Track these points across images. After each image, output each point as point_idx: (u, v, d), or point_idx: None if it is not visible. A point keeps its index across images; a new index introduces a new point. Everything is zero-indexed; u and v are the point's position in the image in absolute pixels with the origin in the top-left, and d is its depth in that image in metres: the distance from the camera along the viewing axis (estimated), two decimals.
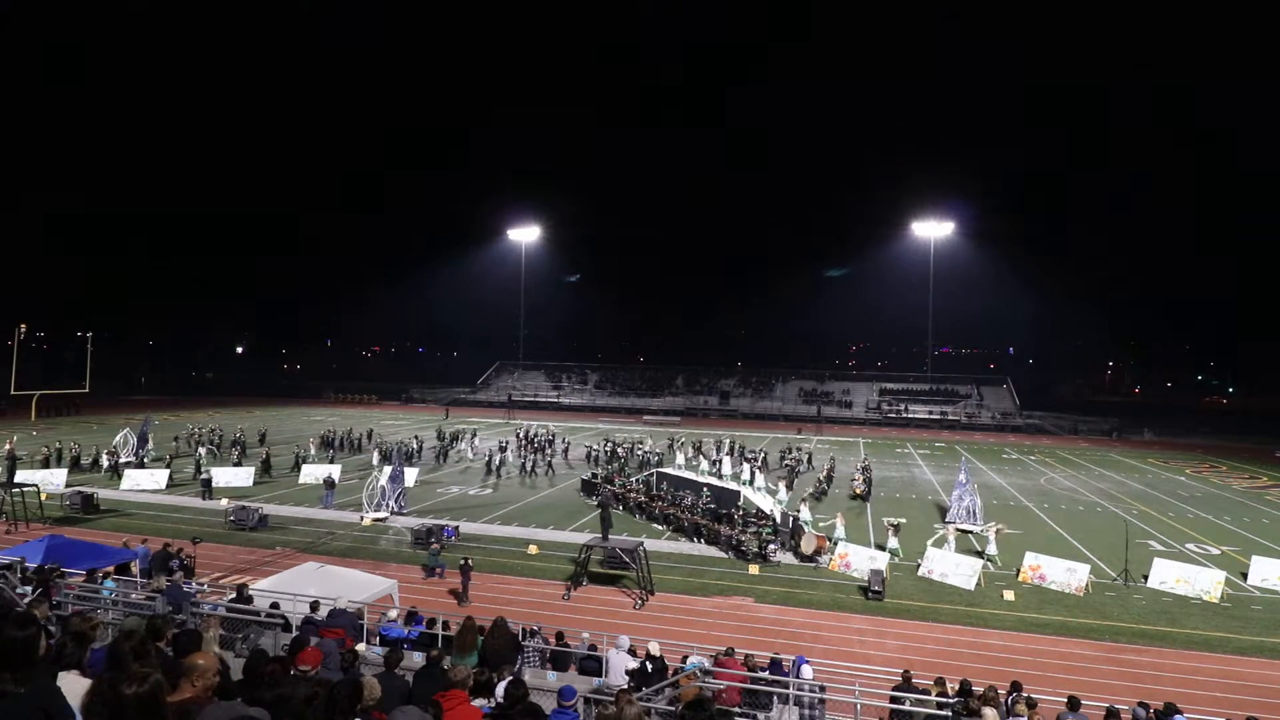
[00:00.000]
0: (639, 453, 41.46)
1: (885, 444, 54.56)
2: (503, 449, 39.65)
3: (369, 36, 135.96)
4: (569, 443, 44.99)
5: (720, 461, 32.68)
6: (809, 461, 41.24)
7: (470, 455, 40.76)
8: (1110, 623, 16.76)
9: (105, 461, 33.10)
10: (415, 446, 40.65)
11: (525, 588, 18.57)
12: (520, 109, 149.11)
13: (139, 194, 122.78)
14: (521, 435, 45.70)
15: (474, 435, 46.51)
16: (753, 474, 28.68)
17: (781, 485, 27.40)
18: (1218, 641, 15.73)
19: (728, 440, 46.96)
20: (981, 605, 17.85)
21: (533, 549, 21.69)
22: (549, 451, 40.35)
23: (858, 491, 31.55)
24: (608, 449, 41.16)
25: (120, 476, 30.33)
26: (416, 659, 9.36)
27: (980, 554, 21.36)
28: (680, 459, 35.09)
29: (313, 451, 38.17)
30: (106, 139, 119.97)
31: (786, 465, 37.70)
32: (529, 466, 36.01)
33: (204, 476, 29.09)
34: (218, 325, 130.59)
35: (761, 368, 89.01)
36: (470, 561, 18.18)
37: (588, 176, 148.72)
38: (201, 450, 36.23)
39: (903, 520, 23.92)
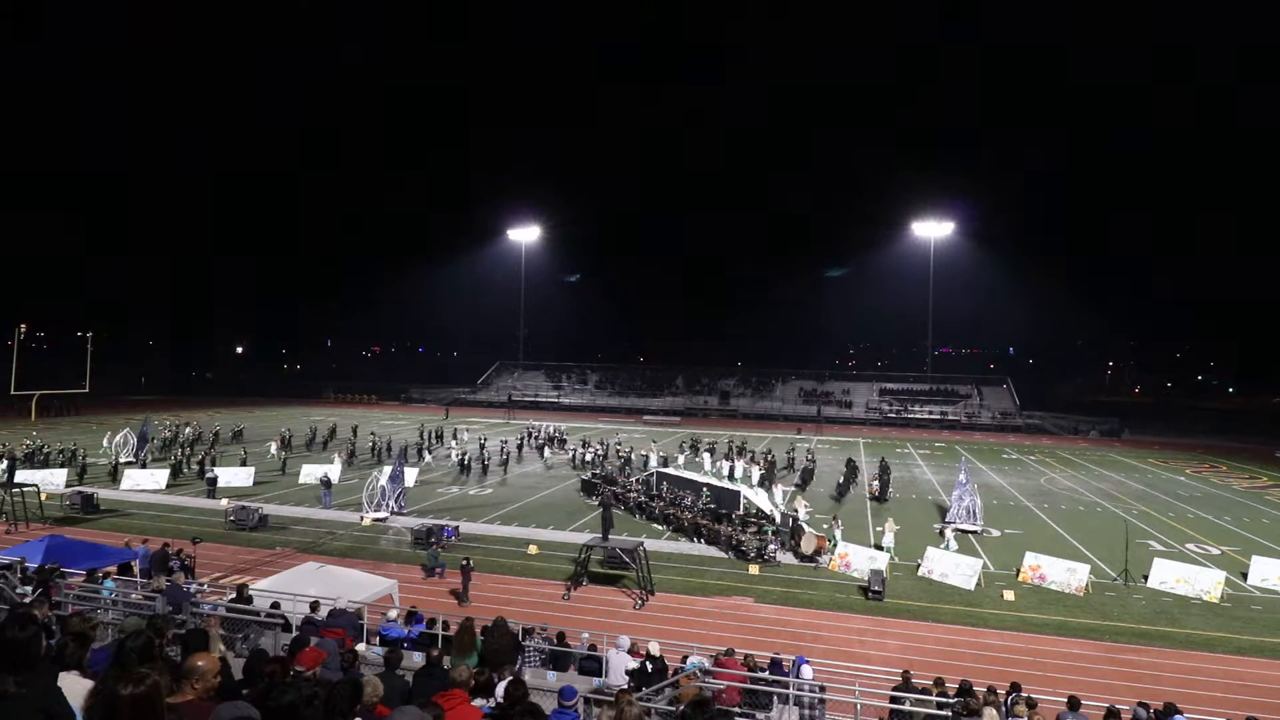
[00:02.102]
0: (619, 453, 40.10)
1: (885, 444, 54.50)
2: (482, 446, 39.22)
3: (369, 36, 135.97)
4: (540, 443, 43.89)
5: (702, 459, 32.37)
6: (810, 457, 41.10)
7: (429, 460, 38.57)
8: (1110, 623, 16.76)
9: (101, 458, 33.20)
10: (384, 445, 39.97)
11: (525, 588, 18.57)
12: (520, 109, 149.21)
13: (139, 194, 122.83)
14: (537, 434, 45.46)
15: (454, 435, 46.38)
16: (747, 471, 28.78)
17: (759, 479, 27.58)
18: (1218, 641, 15.73)
19: (724, 441, 46.95)
20: (981, 605, 17.85)
21: (533, 549, 21.69)
22: (502, 453, 39.28)
23: (873, 492, 31.68)
24: (598, 454, 39.42)
25: (119, 477, 30.39)
26: (416, 659, 9.36)
27: (879, 546, 21.98)
28: (650, 455, 35.34)
29: (273, 451, 37.45)
30: (107, 139, 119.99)
31: (768, 462, 37.36)
32: (485, 464, 35.91)
33: (210, 475, 29.14)
34: (218, 325, 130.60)
35: (761, 368, 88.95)
36: (471, 562, 18.18)
37: (588, 176, 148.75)
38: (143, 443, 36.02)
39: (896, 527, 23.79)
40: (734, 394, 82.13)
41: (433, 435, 45.23)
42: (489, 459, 36.57)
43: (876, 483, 32.05)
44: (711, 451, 41.06)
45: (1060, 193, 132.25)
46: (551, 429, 49.67)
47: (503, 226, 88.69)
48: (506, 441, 42.97)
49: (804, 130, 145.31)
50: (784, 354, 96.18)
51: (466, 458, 36.16)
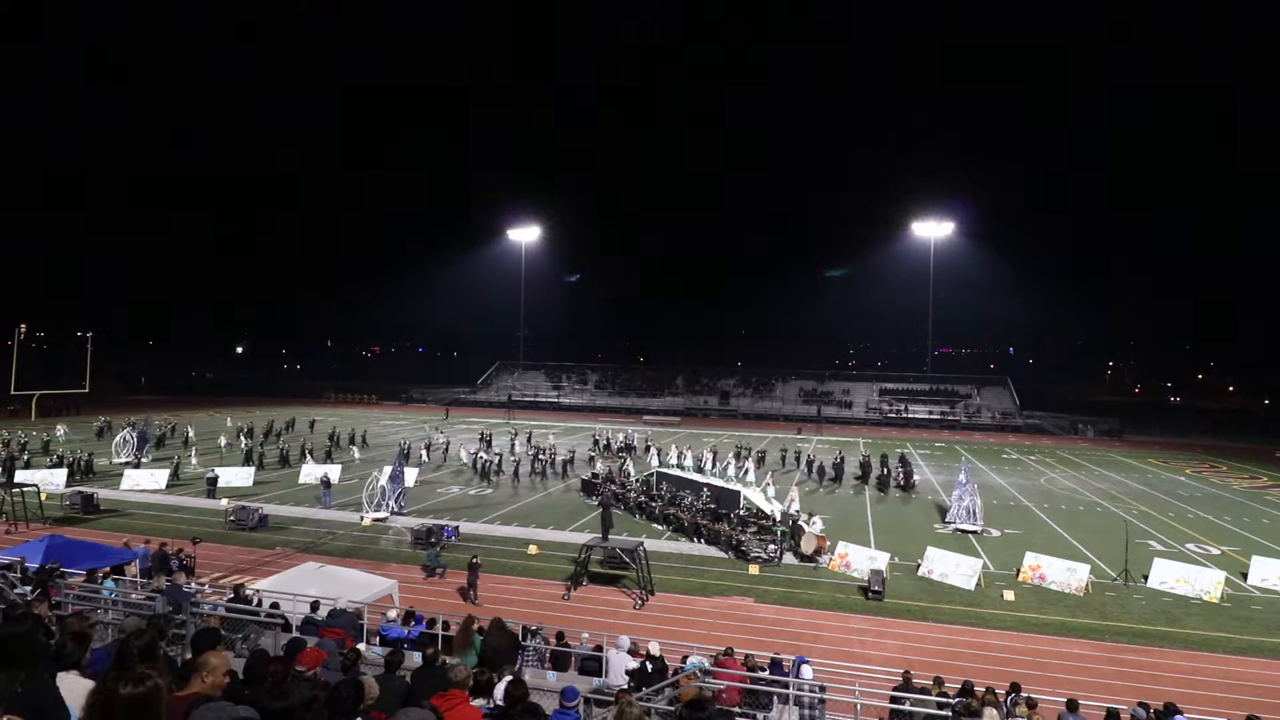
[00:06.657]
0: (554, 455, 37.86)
1: (885, 444, 54.47)
2: (427, 444, 41.40)
3: (370, 34, 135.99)
4: (617, 449, 43.45)
5: (700, 457, 31.90)
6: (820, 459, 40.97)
7: (358, 455, 37.88)
8: (1110, 623, 16.75)
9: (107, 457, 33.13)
10: (296, 448, 38.96)
11: (525, 588, 18.56)
12: (521, 108, 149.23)
13: (139, 194, 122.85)
14: (600, 441, 45.39)
15: (361, 437, 46.39)
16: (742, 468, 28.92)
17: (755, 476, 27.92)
18: (1218, 641, 15.72)
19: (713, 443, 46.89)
20: (981, 605, 17.84)
21: (533, 549, 21.68)
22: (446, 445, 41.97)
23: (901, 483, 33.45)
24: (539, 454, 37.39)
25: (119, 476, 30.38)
26: (416, 659, 9.35)
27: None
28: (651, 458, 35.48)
29: (188, 446, 36.90)
30: (107, 140, 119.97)
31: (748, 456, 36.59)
32: (426, 449, 38.88)
33: (210, 475, 29.13)
34: (218, 325, 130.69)
35: (761, 368, 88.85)
36: (479, 560, 18.12)
37: (588, 176, 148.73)
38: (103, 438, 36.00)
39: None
40: (734, 394, 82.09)
41: (346, 438, 42.59)
42: (430, 448, 39.55)
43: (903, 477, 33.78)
44: (761, 461, 37.61)
45: (1060, 193, 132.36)
46: (626, 436, 47.33)
47: (503, 226, 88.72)
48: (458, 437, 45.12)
49: (804, 130, 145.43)
50: (784, 354, 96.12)
51: (407, 445, 38.76)
